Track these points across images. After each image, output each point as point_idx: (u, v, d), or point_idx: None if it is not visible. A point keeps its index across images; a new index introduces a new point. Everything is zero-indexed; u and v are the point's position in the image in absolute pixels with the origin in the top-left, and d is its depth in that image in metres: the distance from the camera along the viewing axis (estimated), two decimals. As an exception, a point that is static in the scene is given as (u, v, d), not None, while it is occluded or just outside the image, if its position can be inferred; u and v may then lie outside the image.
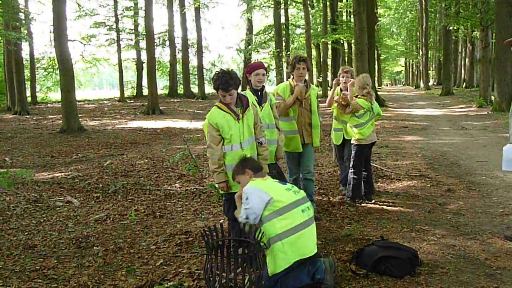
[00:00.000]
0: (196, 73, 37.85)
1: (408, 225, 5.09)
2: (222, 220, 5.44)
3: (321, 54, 36.11)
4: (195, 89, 38.40)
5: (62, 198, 6.83)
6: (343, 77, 6.25)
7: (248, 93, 4.63)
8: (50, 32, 29.20)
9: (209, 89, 43.48)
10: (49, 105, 31.30)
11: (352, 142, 6.09)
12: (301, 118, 5.38)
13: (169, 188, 7.35)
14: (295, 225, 3.39)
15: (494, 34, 26.74)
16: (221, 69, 4.17)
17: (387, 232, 4.87)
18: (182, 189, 7.24)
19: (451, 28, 28.52)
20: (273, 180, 3.77)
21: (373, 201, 6.08)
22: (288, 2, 34.87)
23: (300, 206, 3.49)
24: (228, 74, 3.99)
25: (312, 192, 5.52)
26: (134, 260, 4.33)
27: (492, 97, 21.72)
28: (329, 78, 36.65)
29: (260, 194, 3.41)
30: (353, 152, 6.06)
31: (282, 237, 3.35)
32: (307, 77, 5.50)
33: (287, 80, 5.69)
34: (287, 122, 5.29)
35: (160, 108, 23.66)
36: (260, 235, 3.32)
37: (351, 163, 6.07)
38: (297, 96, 5.24)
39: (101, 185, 7.56)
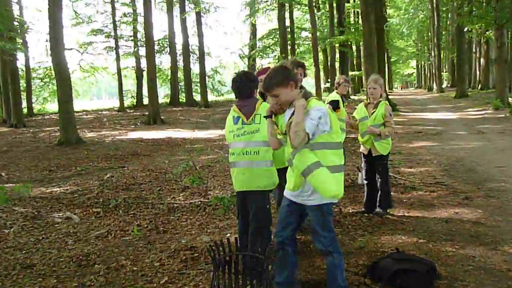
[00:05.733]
0: (198, 80, 37.98)
1: (425, 236, 5.07)
2: (228, 235, 5.43)
3: (328, 58, 36.17)
4: (197, 97, 38.52)
5: (61, 214, 6.84)
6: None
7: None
8: (46, 40, 29.48)
9: (212, 97, 43.64)
10: (46, 116, 31.48)
11: (382, 153, 5.90)
12: None
13: (172, 201, 7.35)
14: (340, 164, 3.45)
15: (509, 33, 26.74)
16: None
17: (403, 244, 4.84)
18: (186, 202, 7.24)
19: (465, 28, 28.49)
20: None
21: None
22: (293, 5, 34.98)
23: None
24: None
25: None
26: (137, 278, 4.32)
27: (510, 99, 21.66)
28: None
29: (329, 121, 3.36)
30: (384, 164, 5.98)
31: (331, 171, 3.37)
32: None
33: None
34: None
35: (162, 117, 23.71)
36: (269, 250, 3.31)
37: (385, 175, 5.99)
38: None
39: (101, 200, 7.57)
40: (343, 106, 6.96)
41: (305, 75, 5.54)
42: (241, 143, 4.13)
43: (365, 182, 6.22)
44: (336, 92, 6.95)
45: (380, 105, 5.85)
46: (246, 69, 40.71)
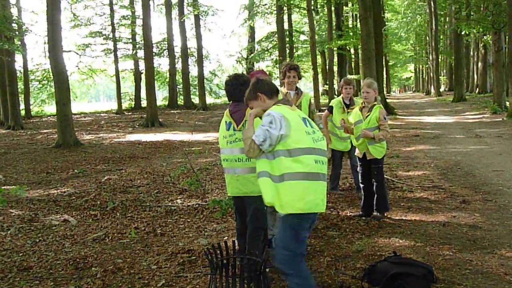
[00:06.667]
0: (196, 83, 38.00)
1: (422, 240, 5.07)
2: (226, 237, 5.43)
3: (327, 61, 36.22)
4: (195, 99, 38.53)
5: (58, 217, 6.83)
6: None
7: None
8: (45, 43, 29.48)
9: (210, 99, 43.66)
10: (43, 119, 31.45)
11: (376, 157, 5.89)
12: None
13: (170, 204, 7.35)
14: (305, 171, 3.20)
15: (507, 37, 26.81)
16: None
17: (400, 247, 4.84)
18: (183, 205, 7.23)
19: (462, 32, 28.57)
20: (298, 114, 3.45)
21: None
22: (291, 8, 35.04)
23: (313, 155, 3.26)
24: None
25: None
26: (134, 281, 4.32)
27: (507, 103, 21.70)
28: (335, 86, 36.77)
29: (284, 124, 3.20)
30: (379, 167, 5.97)
31: (286, 178, 3.18)
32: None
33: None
34: None
35: (160, 120, 23.74)
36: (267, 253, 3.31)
37: (380, 178, 5.98)
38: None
39: (99, 202, 7.56)
40: (345, 111, 6.96)
41: (299, 78, 5.59)
42: (234, 149, 4.10)
43: (362, 185, 6.22)
44: (342, 97, 6.98)
45: (375, 108, 5.86)
46: (244, 72, 40.85)
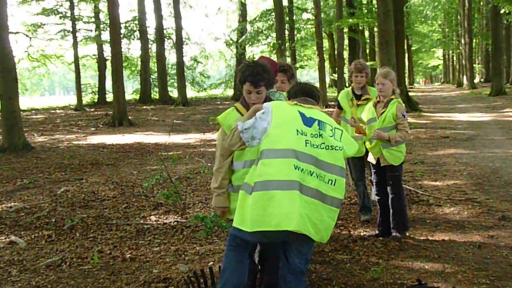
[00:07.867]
0: (174, 72, 37.97)
1: (452, 265, 5.08)
2: (211, 263, 5.42)
3: (335, 46, 36.28)
4: (173, 92, 38.50)
5: (3, 238, 6.80)
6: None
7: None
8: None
9: (191, 92, 43.57)
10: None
11: (392, 164, 5.87)
12: None
13: (142, 221, 7.33)
14: (271, 179, 3.27)
15: (556, 16, 26.97)
16: (252, 60, 4.38)
17: (426, 274, 4.85)
18: (159, 222, 7.22)
19: (501, 10, 28.68)
20: (302, 111, 3.59)
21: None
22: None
23: (294, 160, 3.33)
24: (262, 67, 4.01)
25: None
26: (97, 317, 4.31)
27: (556, 97, 21.84)
28: (346, 75, 36.85)
29: (269, 118, 3.48)
30: (396, 176, 5.94)
31: (252, 189, 3.36)
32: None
33: None
34: None
35: (129, 118, 23.72)
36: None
37: (397, 190, 5.95)
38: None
39: (53, 220, 7.53)
40: (353, 104, 6.88)
41: (290, 80, 5.39)
42: None
43: (377, 198, 6.20)
44: (351, 87, 6.87)
45: (391, 103, 5.80)
46: (234, 59, 40.75)
